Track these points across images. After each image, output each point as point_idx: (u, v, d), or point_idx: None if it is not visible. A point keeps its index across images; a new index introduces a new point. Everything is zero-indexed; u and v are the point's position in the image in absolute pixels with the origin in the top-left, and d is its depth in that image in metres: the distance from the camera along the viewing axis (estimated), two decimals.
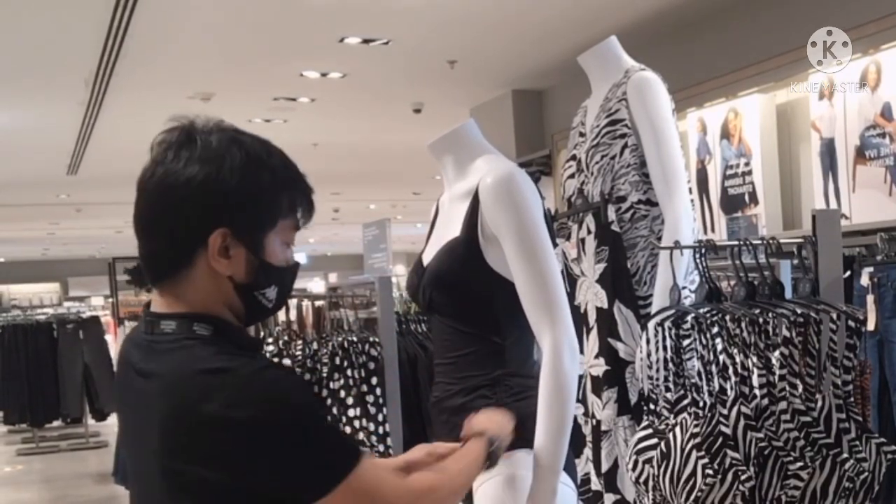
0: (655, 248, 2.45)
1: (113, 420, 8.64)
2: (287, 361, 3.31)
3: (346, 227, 16.33)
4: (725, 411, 1.79)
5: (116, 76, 5.81)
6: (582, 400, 2.54)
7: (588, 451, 2.58)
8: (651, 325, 1.99)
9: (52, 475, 8.31)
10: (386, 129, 8.24)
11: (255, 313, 1.39)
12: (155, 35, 5.12)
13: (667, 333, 1.94)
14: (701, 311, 1.91)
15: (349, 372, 3.24)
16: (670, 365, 1.94)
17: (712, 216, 4.78)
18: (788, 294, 2.01)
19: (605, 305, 2.50)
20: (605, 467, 2.49)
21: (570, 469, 1.87)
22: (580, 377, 2.31)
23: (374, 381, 3.24)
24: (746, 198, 4.59)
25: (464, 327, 1.94)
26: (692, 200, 2.48)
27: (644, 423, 2.01)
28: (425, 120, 7.27)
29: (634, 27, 5.10)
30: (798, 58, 3.70)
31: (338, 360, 3.25)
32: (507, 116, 6.98)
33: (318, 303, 3.83)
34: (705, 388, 1.85)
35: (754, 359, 1.78)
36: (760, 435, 1.75)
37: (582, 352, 2.46)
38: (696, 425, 1.83)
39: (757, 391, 1.78)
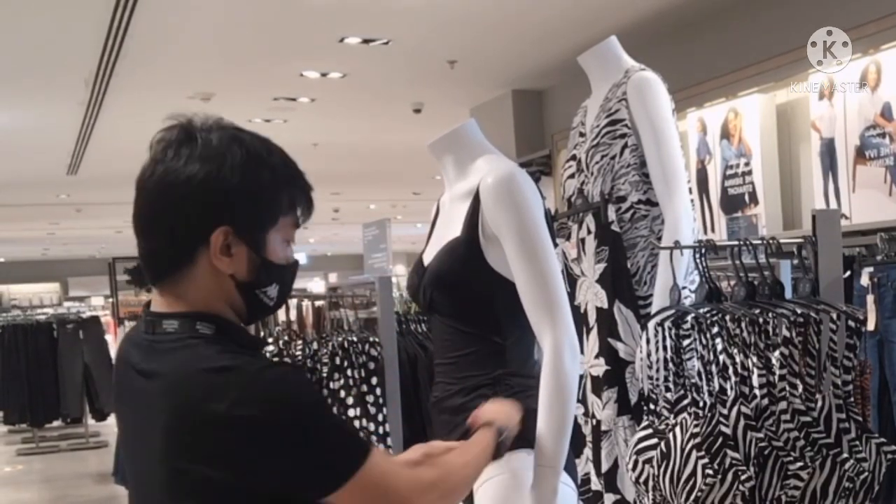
0: (655, 248, 2.45)
1: (113, 420, 8.60)
2: (287, 361, 3.31)
3: (346, 227, 16.33)
4: (725, 411, 1.79)
5: (116, 76, 5.81)
6: (582, 400, 2.54)
7: (588, 451, 2.58)
8: (651, 325, 1.99)
9: (52, 475, 8.31)
10: (386, 129, 8.24)
11: (256, 312, 1.39)
12: (155, 35, 5.12)
13: (667, 333, 1.94)
14: (701, 311, 1.91)
15: (349, 372, 3.24)
16: (670, 365, 1.94)
17: (712, 216, 4.78)
18: (788, 294, 2.01)
19: (605, 305, 2.50)
20: (605, 467, 2.49)
21: (570, 469, 1.87)
22: (580, 377, 2.31)
23: (374, 381, 3.24)
24: (746, 198, 4.59)
25: (464, 327, 1.94)
26: (692, 200, 2.48)
27: (644, 423, 2.01)
28: (425, 120, 7.27)
29: (634, 27, 5.10)
30: (798, 58, 3.70)
31: (338, 360, 3.25)
32: (507, 116, 6.98)
33: (318, 303, 3.84)
34: (705, 388, 1.86)
35: (754, 359, 1.78)
36: (760, 435, 1.75)
37: (582, 352, 2.46)
38: (696, 425, 1.83)
39: (757, 391, 1.78)
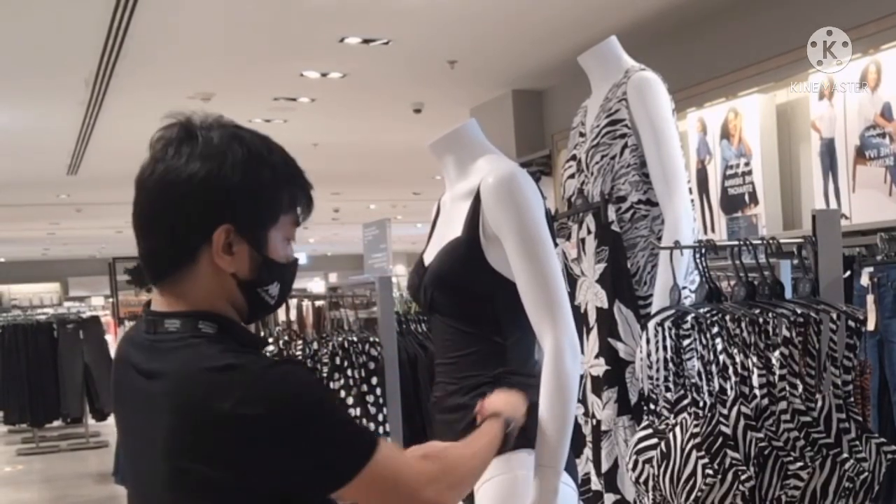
0: (655, 248, 2.45)
1: (113, 420, 8.62)
2: (291, 358, 3.31)
3: (346, 227, 16.34)
4: (725, 411, 1.79)
5: (116, 76, 5.81)
6: (582, 400, 2.54)
7: (588, 451, 2.58)
8: (651, 325, 1.99)
9: (53, 475, 8.31)
10: (386, 129, 8.24)
11: (257, 310, 1.38)
12: (155, 35, 5.12)
13: (667, 333, 1.94)
14: (701, 311, 1.91)
15: (349, 372, 3.24)
16: (670, 365, 1.94)
17: (712, 216, 4.78)
18: (788, 294, 2.01)
19: (605, 305, 2.50)
20: (605, 467, 2.49)
21: (570, 469, 1.87)
22: (580, 377, 2.31)
23: (374, 381, 3.24)
24: (746, 198, 4.59)
25: (465, 327, 1.94)
26: (692, 200, 2.48)
27: (644, 423, 2.01)
28: (425, 120, 7.27)
29: (634, 27, 5.11)
30: (798, 58, 3.71)
31: (338, 360, 3.25)
32: (507, 116, 6.98)
33: (318, 303, 3.84)
34: (705, 388, 1.86)
35: (754, 359, 1.78)
36: (760, 435, 1.75)
37: (582, 352, 2.46)
38: (696, 425, 1.83)
39: (757, 391, 1.78)
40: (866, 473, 1.71)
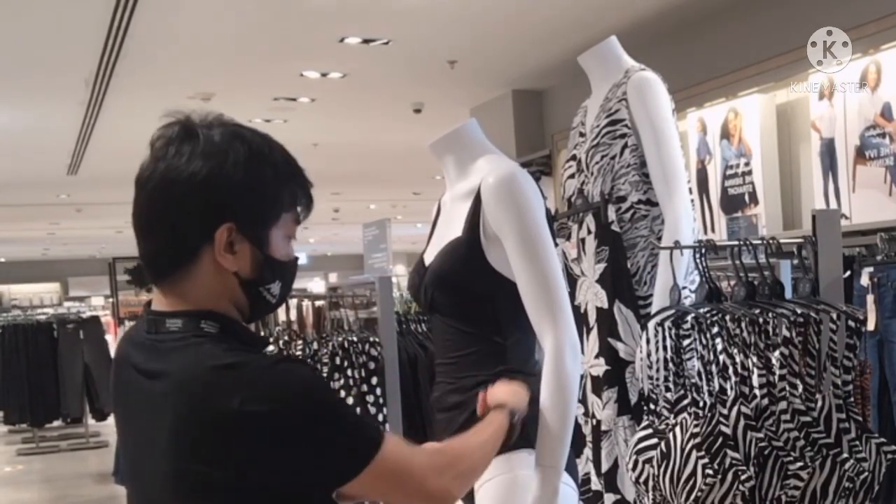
0: (655, 248, 2.45)
1: (113, 420, 8.63)
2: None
3: (347, 227, 16.34)
4: (725, 411, 1.79)
5: (116, 76, 5.81)
6: (582, 400, 2.55)
7: (588, 451, 2.58)
8: (651, 325, 1.99)
9: (53, 475, 8.31)
10: (386, 129, 8.24)
11: (259, 309, 1.38)
12: (155, 35, 5.12)
13: (667, 333, 1.94)
14: (701, 311, 1.91)
15: (349, 372, 3.24)
16: (670, 365, 1.94)
17: (712, 216, 4.78)
18: (788, 294, 2.01)
19: (605, 305, 2.50)
20: (605, 467, 2.49)
21: (571, 469, 1.87)
22: (581, 377, 2.31)
23: (374, 381, 3.24)
24: (746, 198, 4.59)
25: (465, 327, 1.94)
26: (692, 200, 2.48)
27: (644, 423, 2.01)
28: (425, 120, 7.27)
29: (634, 27, 5.11)
30: (798, 58, 3.71)
31: (338, 360, 3.25)
32: (507, 116, 6.98)
33: (318, 303, 3.84)
34: (705, 388, 1.86)
35: (754, 359, 1.78)
36: (760, 435, 1.75)
37: (582, 352, 2.46)
38: (696, 425, 1.83)
39: (757, 391, 1.78)
40: (866, 473, 1.71)
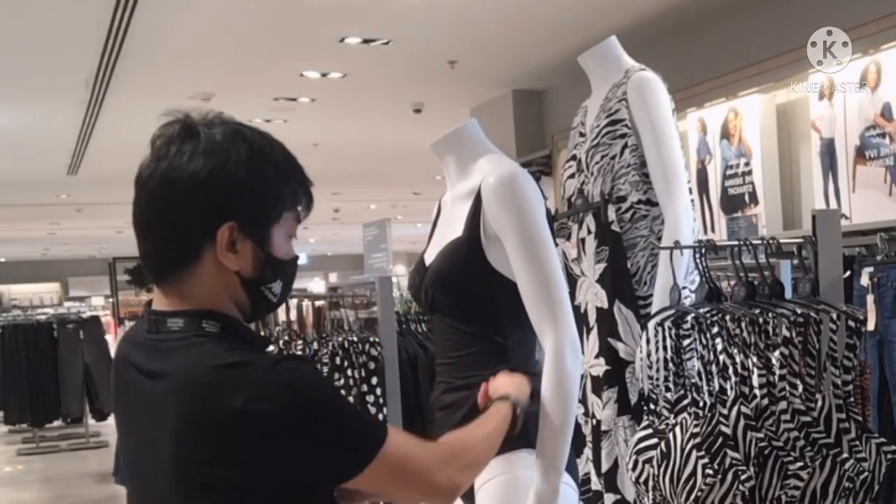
0: (655, 248, 2.45)
1: (113, 420, 8.63)
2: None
3: (347, 227, 16.35)
4: (725, 411, 1.79)
5: (117, 76, 5.81)
6: (582, 400, 2.55)
7: (588, 451, 2.58)
8: (651, 325, 1.99)
9: (53, 475, 8.31)
10: (386, 129, 8.24)
11: (260, 308, 1.38)
12: (155, 35, 5.12)
13: (667, 333, 1.94)
14: (701, 311, 1.91)
15: (349, 372, 3.24)
16: (670, 365, 1.94)
17: (712, 216, 4.78)
18: (788, 294, 2.01)
19: (605, 305, 2.50)
20: (605, 467, 2.49)
21: (571, 469, 1.87)
22: (581, 377, 2.31)
23: (374, 381, 3.25)
24: (746, 198, 4.59)
25: (466, 327, 1.94)
26: (692, 200, 2.48)
27: (644, 423, 2.01)
28: (425, 120, 7.28)
29: (634, 27, 5.11)
30: (798, 58, 3.71)
31: (338, 360, 3.25)
32: (507, 116, 6.98)
33: (319, 303, 3.84)
34: (705, 388, 1.86)
35: (754, 359, 1.78)
36: (760, 435, 1.75)
37: (582, 352, 2.46)
38: (696, 425, 1.83)
39: (757, 391, 1.78)
40: (866, 473, 1.71)
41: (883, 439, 1.77)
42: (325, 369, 3.25)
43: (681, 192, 2.44)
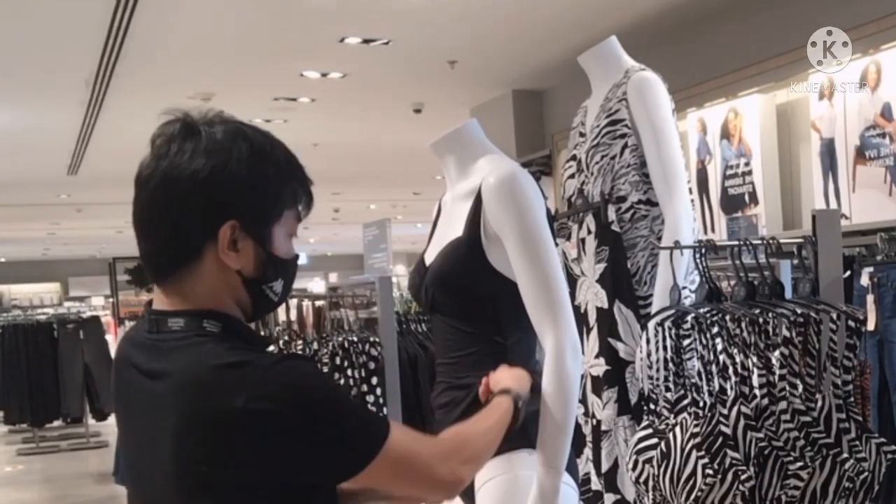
0: (655, 248, 2.45)
1: (114, 420, 8.62)
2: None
3: (347, 227, 16.35)
4: (725, 411, 1.79)
5: (117, 76, 5.81)
6: (582, 400, 2.55)
7: (588, 451, 2.58)
8: (651, 325, 1.99)
9: (53, 475, 8.31)
10: (386, 129, 8.24)
11: (261, 307, 1.38)
12: (155, 35, 5.13)
13: (667, 333, 1.94)
14: (701, 311, 1.91)
15: (349, 372, 3.24)
16: (670, 365, 1.94)
17: (712, 216, 4.78)
18: (788, 294, 2.01)
19: (605, 305, 2.50)
20: (605, 467, 2.49)
21: (571, 469, 1.87)
22: (581, 377, 2.31)
23: (374, 380, 3.25)
24: (746, 198, 4.59)
25: (466, 327, 1.94)
26: (692, 200, 2.48)
27: (644, 423, 2.01)
28: (425, 120, 7.28)
29: (634, 27, 5.11)
30: (798, 58, 3.71)
31: (338, 360, 3.25)
32: (507, 116, 6.99)
33: (319, 303, 3.84)
34: (705, 388, 1.86)
35: (754, 359, 1.78)
36: (760, 435, 1.75)
37: (582, 352, 2.46)
38: (696, 425, 1.83)
39: (757, 391, 1.78)
40: (866, 473, 1.71)
41: (883, 439, 1.77)
42: (325, 369, 3.25)
43: (681, 192, 2.44)
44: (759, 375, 1.77)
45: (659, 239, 2.45)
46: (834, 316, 1.74)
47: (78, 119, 7.13)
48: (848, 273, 2.86)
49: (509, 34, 5.53)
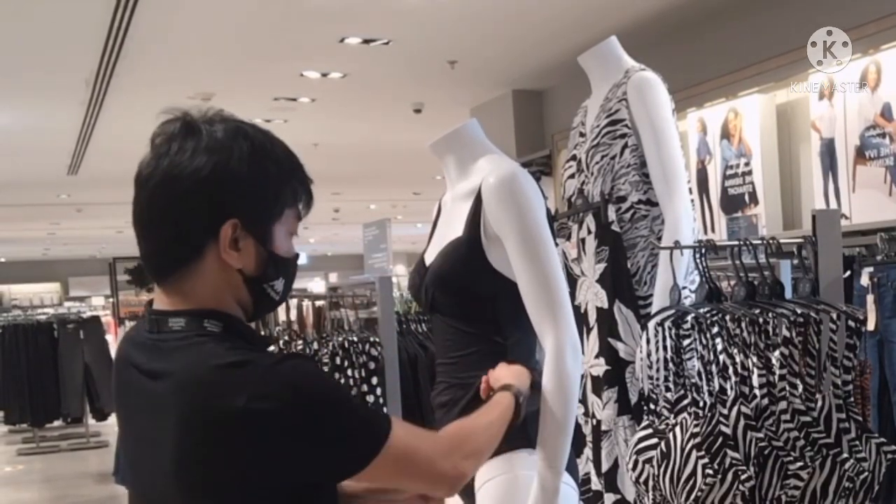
0: (655, 248, 2.45)
1: (113, 420, 8.61)
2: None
3: (347, 227, 16.35)
4: (725, 411, 1.79)
5: (117, 76, 5.81)
6: (582, 400, 2.55)
7: (588, 451, 2.58)
8: (651, 325, 2.00)
9: (53, 475, 8.31)
10: (386, 129, 8.24)
11: (262, 307, 1.38)
12: (155, 35, 5.13)
13: (667, 333, 1.94)
14: (701, 311, 1.91)
15: (349, 372, 3.24)
16: (670, 365, 1.94)
17: (712, 216, 4.79)
18: (788, 294, 2.01)
19: (606, 305, 2.50)
20: (605, 467, 2.49)
21: (571, 469, 1.87)
22: (581, 377, 2.32)
23: (374, 381, 3.25)
24: (746, 198, 4.59)
25: (466, 327, 1.94)
26: (692, 200, 2.48)
27: (644, 423, 2.01)
28: (425, 120, 7.28)
29: (635, 27, 5.11)
30: (798, 58, 3.71)
31: (338, 360, 3.25)
32: (507, 116, 6.99)
33: (319, 303, 3.84)
34: (705, 388, 1.86)
35: (754, 359, 1.78)
36: (760, 435, 1.75)
37: (582, 352, 2.47)
38: (696, 425, 1.83)
39: (757, 391, 1.78)
40: (866, 473, 1.71)
41: (883, 439, 1.77)
42: (326, 369, 3.25)
43: (681, 192, 2.44)
44: (759, 375, 1.78)
45: (659, 239, 2.45)
46: (834, 316, 1.74)
47: (78, 119, 7.13)
48: (848, 273, 2.86)
49: (509, 34, 5.53)
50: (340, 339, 3.31)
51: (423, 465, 1.34)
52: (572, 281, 2.61)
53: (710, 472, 1.75)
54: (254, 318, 1.39)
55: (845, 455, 1.71)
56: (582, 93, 2.80)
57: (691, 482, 1.78)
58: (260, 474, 1.20)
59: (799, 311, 1.76)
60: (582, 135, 2.69)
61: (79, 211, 13.54)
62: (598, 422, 2.51)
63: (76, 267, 24.30)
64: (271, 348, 3.46)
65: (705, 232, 4.69)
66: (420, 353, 3.57)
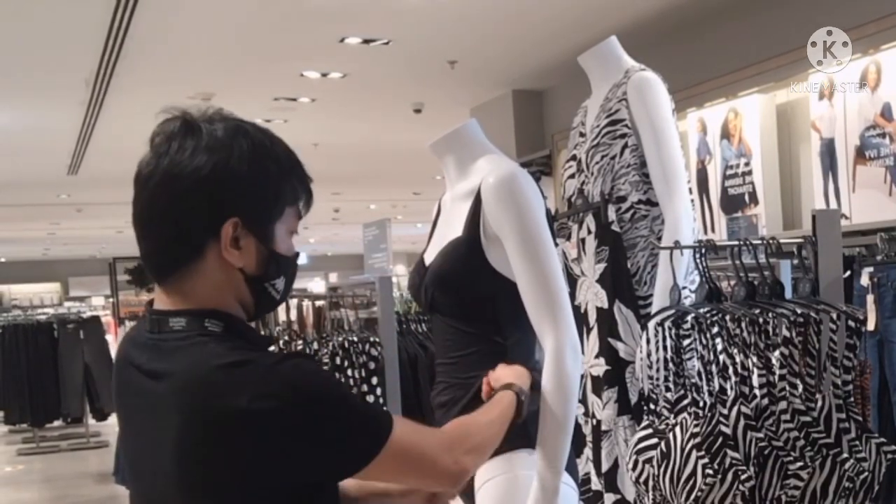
0: (655, 248, 2.45)
1: (114, 420, 8.62)
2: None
3: (347, 227, 16.36)
4: (725, 411, 1.79)
5: (117, 76, 5.81)
6: (582, 400, 2.55)
7: (588, 451, 2.58)
8: (651, 325, 2.00)
9: (53, 475, 8.31)
10: (386, 129, 8.24)
11: (263, 306, 1.37)
12: (155, 35, 5.13)
13: (667, 333, 1.94)
14: (701, 311, 1.91)
15: (349, 372, 3.24)
16: (670, 365, 1.94)
17: (712, 216, 4.79)
18: (788, 294, 2.01)
19: (606, 305, 2.50)
20: (605, 467, 2.49)
21: (571, 469, 1.87)
22: (581, 377, 2.31)
23: (374, 381, 3.25)
24: (746, 198, 4.59)
25: (466, 327, 1.94)
26: (692, 200, 2.48)
27: (644, 423, 2.01)
28: (425, 120, 7.28)
29: (635, 27, 5.11)
30: (798, 58, 3.71)
31: (338, 360, 3.25)
32: (507, 116, 6.99)
33: (319, 303, 3.84)
34: (705, 388, 1.86)
35: (754, 359, 1.78)
36: (760, 435, 1.75)
37: (582, 352, 2.47)
38: (696, 425, 1.83)
39: (757, 391, 1.78)
40: (866, 473, 1.71)
41: (883, 439, 1.77)
42: (326, 369, 3.25)
43: (681, 192, 2.44)
44: (759, 375, 1.78)
45: (659, 239, 2.45)
46: (834, 316, 1.74)
47: (78, 119, 7.13)
48: (848, 273, 2.86)
49: (509, 34, 5.53)
50: (340, 339, 3.31)
51: (424, 460, 1.34)
52: (572, 281, 2.61)
53: (710, 472, 1.75)
54: (255, 317, 1.39)
55: (845, 455, 1.71)
56: (582, 93, 2.80)
57: (691, 482, 1.78)
58: (261, 474, 1.20)
59: (799, 311, 1.76)
60: (582, 135, 2.69)
61: (79, 211, 13.54)
62: (598, 422, 2.51)
63: (76, 267, 24.30)
64: (272, 348, 3.46)
65: (705, 232, 4.69)
66: (420, 353, 3.57)
